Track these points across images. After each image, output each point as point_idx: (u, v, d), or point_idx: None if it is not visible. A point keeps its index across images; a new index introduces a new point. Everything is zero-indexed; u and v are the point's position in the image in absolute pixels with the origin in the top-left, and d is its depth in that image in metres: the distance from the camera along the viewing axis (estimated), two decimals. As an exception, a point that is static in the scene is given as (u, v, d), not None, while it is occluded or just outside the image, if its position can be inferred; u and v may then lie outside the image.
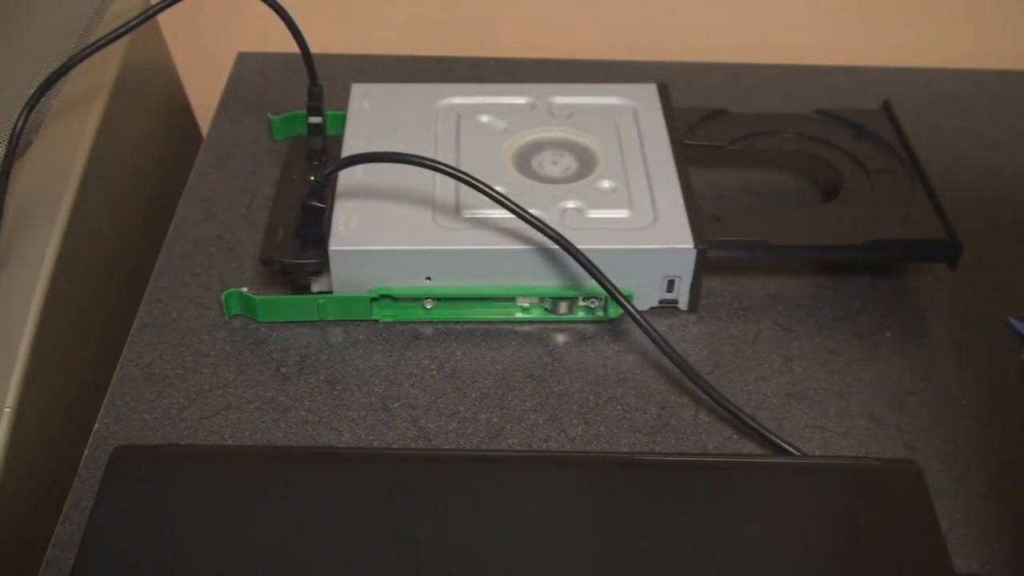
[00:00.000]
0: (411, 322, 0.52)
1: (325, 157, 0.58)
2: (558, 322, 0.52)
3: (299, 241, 0.51)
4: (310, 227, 0.50)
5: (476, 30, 0.74)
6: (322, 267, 0.50)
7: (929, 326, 0.53)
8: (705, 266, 0.51)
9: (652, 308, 0.52)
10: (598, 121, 0.58)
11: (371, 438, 0.46)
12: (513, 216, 0.49)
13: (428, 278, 0.50)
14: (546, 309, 0.52)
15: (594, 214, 0.52)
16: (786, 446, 0.46)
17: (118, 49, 0.60)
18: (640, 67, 0.70)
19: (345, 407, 0.48)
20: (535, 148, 0.56)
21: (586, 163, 0.55)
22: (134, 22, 0.53)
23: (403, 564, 0.37)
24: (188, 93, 0.73)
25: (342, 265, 0.50)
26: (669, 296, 0.52)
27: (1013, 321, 0.52)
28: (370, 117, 0.57)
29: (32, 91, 0.52)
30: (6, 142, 0.51)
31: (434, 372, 0.49)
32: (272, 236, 0.52)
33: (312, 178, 0.50)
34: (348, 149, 0.55)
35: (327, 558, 0.37)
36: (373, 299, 0.51)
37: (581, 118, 0.58)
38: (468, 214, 0.51)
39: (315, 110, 0.58)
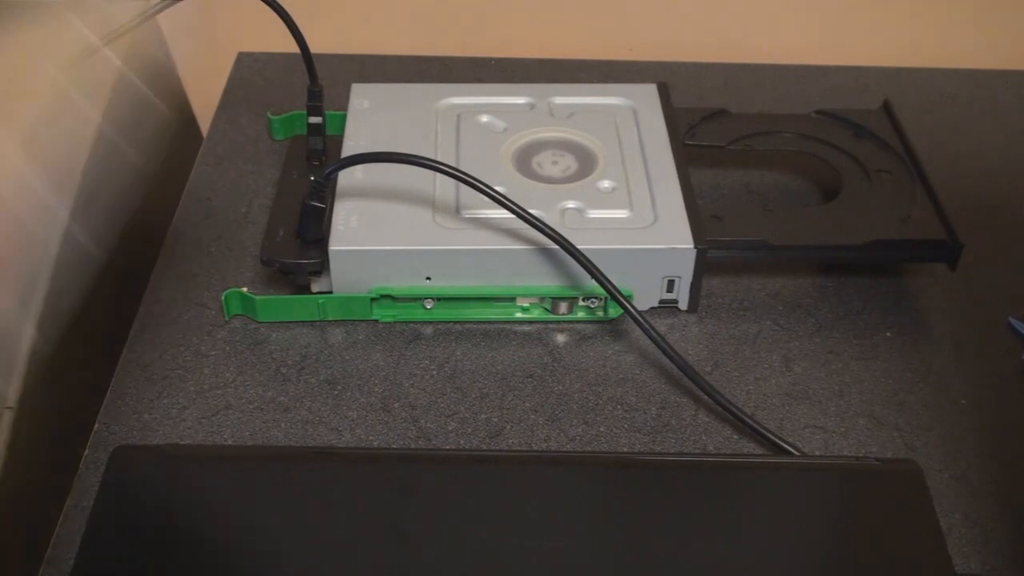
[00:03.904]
0: (411, 322, 0.52)
1: (325, 157, 0.58)
2: (558, 322, 0.52)
3: (299, 241, 0.51)
4: (310, 227, 0.50)
5: (476, 30, 0.74)
6: (322, 267, 0.50)
7: (929, 326, 0.53)
8: (705, 266, 0.51)
9: (652, 308, 0.52)
10: (598, 121, 0.58)
11: (371, 438, 0.46)
12: (513, 216, 0.48)
13: (428, 278, 0.50)
14: (546, 309, 0.52)
15: (594, 214, 0.52)
16: (786, 446, 0.46)
17: (118, 49, 0.60)
18: (640, 67, 0.70)
19: (345, 407, 0.48)
20: (535, 148, 0.56)
21: (586, 163, 0.55)
22: (134, 22, 0.53)
23: (403, 564, 0.37)
24: (188, 93, 0.73)
25: (342, 265, 0.50)
26: (669, 296, 0.52)
27: (1013, 321, 0.52)
28: (370, 117, 0.57)
29: (32, 91, 0.52)
30: (6, 142, 0.51)
31: (434, 372, 0.49)
32: (272, 236, 0.52)
33: (312, 178, 0.50)
34: (348, 149, 0.55)
35: (327, 558, 0.37)
36: (373, 299, 0.51)
37: (581, 118, 0.58)
38: (468, 214, 0.51)
39: (315, 110, 0.58)
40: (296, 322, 0.51)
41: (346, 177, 0.53)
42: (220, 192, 0.59)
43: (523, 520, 0.39)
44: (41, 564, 0.41)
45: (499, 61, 0.70)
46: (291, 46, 0.55)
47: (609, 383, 0.49)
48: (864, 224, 0.52)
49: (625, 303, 0.48)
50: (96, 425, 0.46)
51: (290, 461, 0.41)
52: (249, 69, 0.69)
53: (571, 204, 0.52)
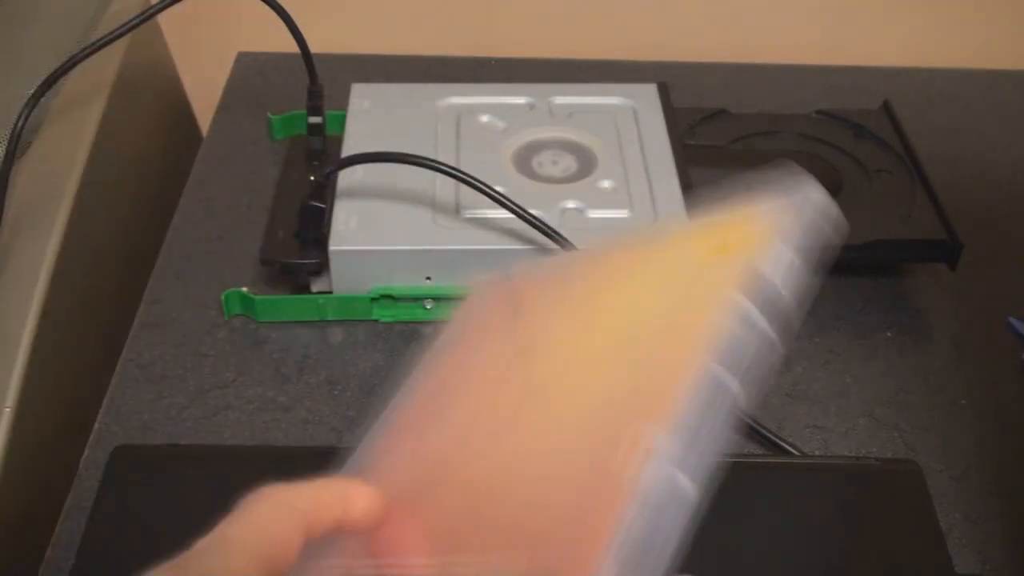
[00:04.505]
0: (411, 322, 0.52)
1: (325, 157, 0.58)
2: (558, 322, 0.52)
3: (299, 241, 0.51)
4: (310, 227, 0.50)
5: (476, 30, 0.74)
6: (322, 267, 0.50)
7: (929, 326, 0.52)
8: (705, 266, 0.50)
9: (652, 308, 0.52)
10: (598, 121, 0.58)
11: (371, 438, 0.46)
12: (513, 216, 0.48)
13: (428, 278, 0.50)
14: (546, 309, 0.52)
15: (594, 214, 0.52)
16: (786, 446, 0.45)
17: (118, 49, 0.60)
18: (640, 67, 0.70)
19: (345, 407, 0.47)
20: (535, 148, 0.56)
21: (586, 163, 0.55)
22: (134, 22, 0.53)
23: (403, 564, 0.37)
24: (188, 93, 0.73)
25: (342, 265, 0.50)
26: (669, 296, 0.52)
27: (1013, 321, 0.52)
28: (370, 117, 0.57)
29: (32, 91, 0.52)
30: (6, 142, 0.51)
31: (434, 372, 0.49)
32: (272, 236, 0.52)
33: (312, 178, 0.50)
34: (348, 149, 0.55)
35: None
36: (373, 299, 0.51)
37: (581, 118, 0.58)
38: (468, 214, 0.51)
39: (315, 110, 0.58)
40: (296, 322, 0.51)
41: (346, 177, 0.53)
42: (220, 192, 0.59)
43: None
44: (41, 564, 0.41)
45: (499, 61, 0.70)
46: (291, 46, 0.55)
47: (609, 383, 0.49)
48: (864, 224, 0.52)
49: (625, 303, 0.48)
50: (96, 425, 0.46)
51: (290, 461, 0.41)
52: (249, 69, 0.69)
53: (571, 204, 0.52)
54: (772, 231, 0.27)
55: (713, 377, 0.25)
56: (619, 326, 0.29)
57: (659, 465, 0.23)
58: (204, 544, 0.26)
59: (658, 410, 0.24)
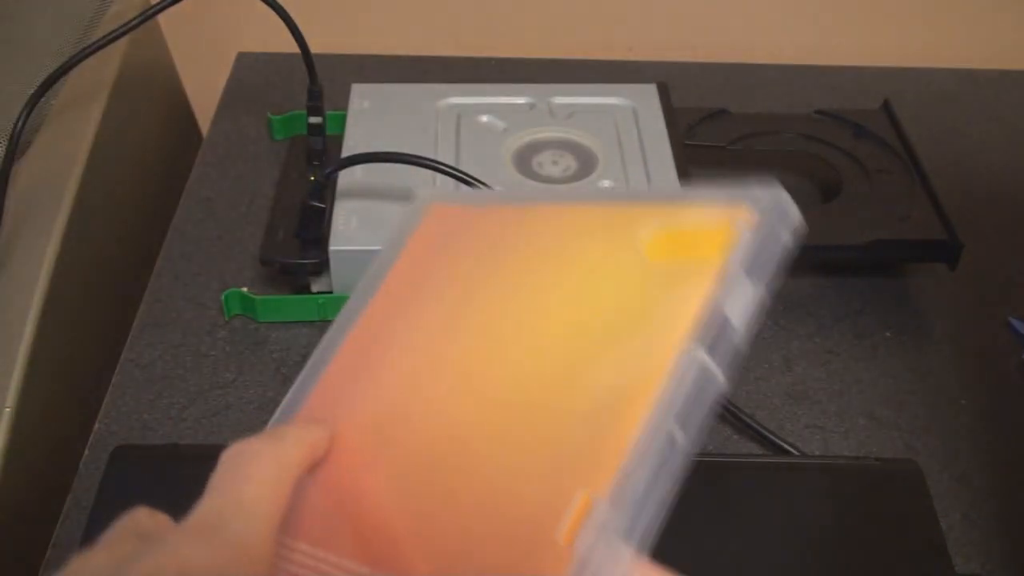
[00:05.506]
0: (411, 322, 0.52)
1: (325, 157, 0.58)
2: (558, 322, 0.52)
3: (299, 241, 0.51)
4: (310, 227, 0.50)
5: (476, 30, 0.74)
6: (322, 267, 0.50)
7: (929, 326, 0.52)
8: (705, 266, 0.50)
9: (652, 308, 0.52)
10: (598, 121, 0.58)
11: (371, 438, 0.46)
12: (513, 216, 0.48)
13: (428, 278, 0.50)
14: (546, 309, 0.52)
15: (594, 214, 0.52)
16: (786, 446, 0.45)
17: (118, 49, 0.60)
18: (640, 67, 0.70)
19: (345, 407, 0.47)
20: (535, 148, 0.56)
21: (586, 163, 0.55)
22: (134, 22, 0.53)
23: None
24: (188, 93, 0.73)
25: (342, 265, 0.50)
26: (669, 296, 0.52)
27: (1013, 321, 0.52)
28: (370, 117, 0.57)
29: (32, 91, 0.52)
30: (6, 142, 0.51)
31: (434, 372, 0.49)
32: (272, 236, 0.52)
33: (312, 178, 0.50)
34: (348, 149, 0.55)
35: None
36: (373, 299, 0.51)
37: (581, 118, 0.58)
38: (468, 214, 0.51)
39: (315, 110, 0.58)
40: (296, 322, 0.51)
41: (346, 177, 0.53)
42: (220, 192, 0.59)
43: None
44: (41, 564, 0.41)
45: (499, 61, 0.70)
46: (291, 46, 0.55)
47: (609, 383, 0.49)
48: (864, 224, 0.52)
49: (625, 303, 0.48)
50: (96, 425, 0.46)
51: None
52: (249, 69, 0.69)
53: (571, 204, 0.52)
54: (737, 253, 0.26)
55: (666, 435, 0.24)
56: (569, 337, 0.27)
57: (604, 538, 0.23)
58: (220, 506, 0.27)
59: (606, 471, 0.24)
